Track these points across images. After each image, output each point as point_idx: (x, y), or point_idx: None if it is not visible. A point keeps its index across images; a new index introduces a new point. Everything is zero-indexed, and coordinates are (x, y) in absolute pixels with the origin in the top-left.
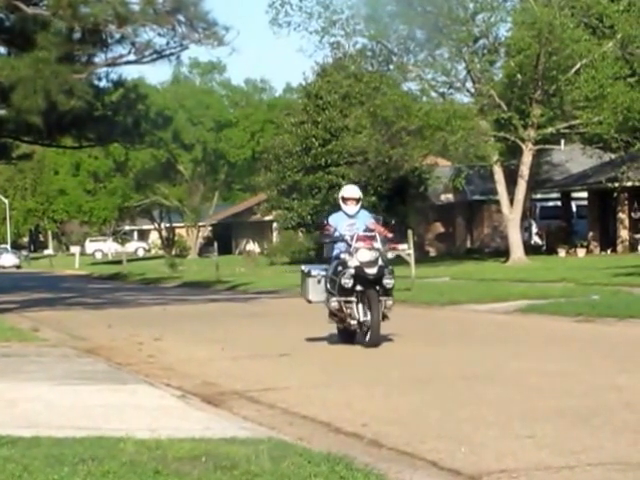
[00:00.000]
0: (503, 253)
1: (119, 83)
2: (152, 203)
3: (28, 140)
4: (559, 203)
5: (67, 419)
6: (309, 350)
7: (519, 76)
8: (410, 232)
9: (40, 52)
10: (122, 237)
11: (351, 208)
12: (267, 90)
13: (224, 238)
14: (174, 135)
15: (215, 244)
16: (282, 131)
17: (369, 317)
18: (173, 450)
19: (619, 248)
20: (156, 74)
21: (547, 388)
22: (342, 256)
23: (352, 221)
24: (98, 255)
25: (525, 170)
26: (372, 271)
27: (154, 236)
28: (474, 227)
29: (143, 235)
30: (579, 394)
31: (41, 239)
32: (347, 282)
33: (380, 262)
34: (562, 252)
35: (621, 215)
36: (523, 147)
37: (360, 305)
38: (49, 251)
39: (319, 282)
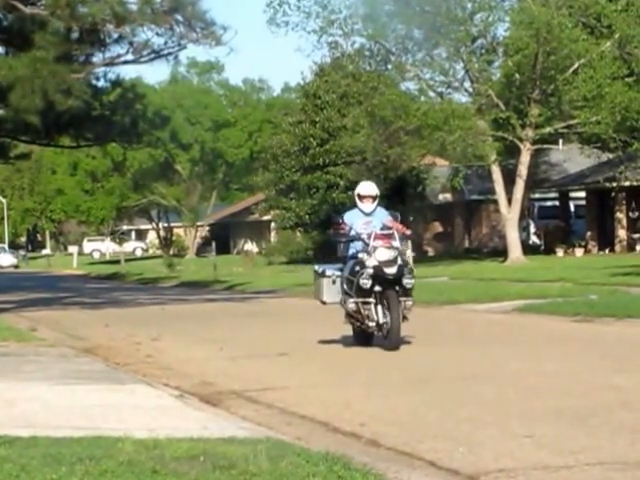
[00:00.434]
0: (501, 253)
1: (117, 83)
2: (150, 203)
3: (26, 140)
4: (557, 203)
5: (65, 419)
6: (307, 350)
7: (517, 76)
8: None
9: (38, 52)
10: (120, 237)
11: (368, 206)
12: (265, 90)
13: (222, 238)
14: (172, 135)
15: (213, 244)
16: (280, 131)
17: (388, 319)
18: (171, 450)
19: (617, 248)
20: (154, 74)
21: (545, 388)
22: (359, 255)
23: (369, 219)
24: (96, 255)
25: (523, 170)
26: (391, 271)
27: (152, 236)
28: (472, 227)
29: (141, 235)
30: (577, 394)
31: (39, 239)
32: (365, 282)
33: (399, 261)
34: (560, 252)
35: (619, 215)
36: (521, 147)
37: (379, 306)
38: (47, 251)
39: (334, 282)
